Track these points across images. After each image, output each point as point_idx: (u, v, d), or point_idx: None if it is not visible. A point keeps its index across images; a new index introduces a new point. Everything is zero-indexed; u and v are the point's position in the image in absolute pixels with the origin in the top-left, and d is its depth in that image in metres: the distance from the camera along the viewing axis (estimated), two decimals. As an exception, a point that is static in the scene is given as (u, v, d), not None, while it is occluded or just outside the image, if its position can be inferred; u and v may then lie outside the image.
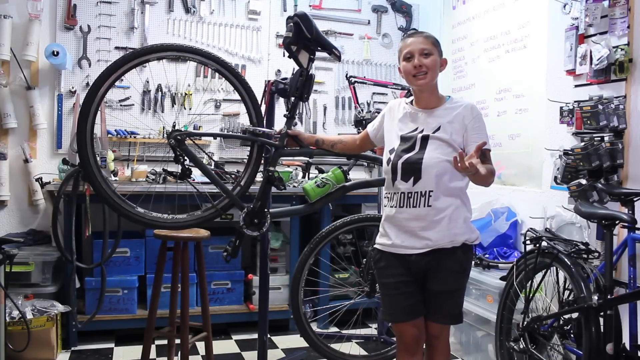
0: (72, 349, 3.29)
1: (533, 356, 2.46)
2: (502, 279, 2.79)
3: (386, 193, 2.06)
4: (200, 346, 3.16)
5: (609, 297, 2.14)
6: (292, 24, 2.29)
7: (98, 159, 2.29)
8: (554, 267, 2.49)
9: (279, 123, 2.56)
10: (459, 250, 1.96)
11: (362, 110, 3.32)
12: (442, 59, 2.02)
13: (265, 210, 2.38)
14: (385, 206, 2.05)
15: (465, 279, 2.05)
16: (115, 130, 3.78)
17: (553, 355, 2.50)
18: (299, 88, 2.38)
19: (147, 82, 3.88)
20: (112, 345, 3.39)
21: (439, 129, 1.95)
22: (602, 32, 2.69)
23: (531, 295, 2.57)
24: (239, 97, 2.41)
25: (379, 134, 2.16)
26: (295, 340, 3.25)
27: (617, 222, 2.21)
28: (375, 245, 2.10)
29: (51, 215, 3.08)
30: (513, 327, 2.69)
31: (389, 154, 2.02)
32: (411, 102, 2.06)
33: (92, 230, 3.23)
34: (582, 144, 2.71)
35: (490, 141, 2.01)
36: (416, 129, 1.99)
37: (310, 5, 4.29)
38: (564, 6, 2.94)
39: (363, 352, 3.23)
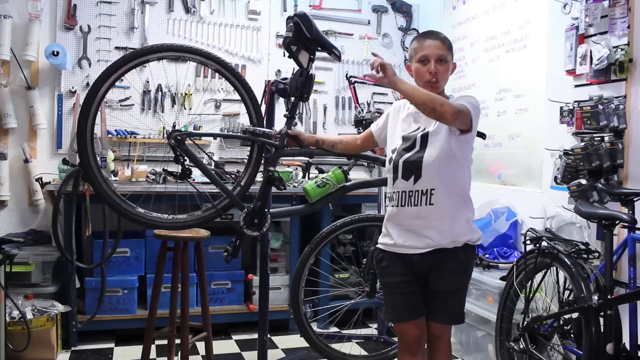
0: (72, 349, 3.29)
1: (533, 356, 2.46)
2: (502, 279, 2.79)
3: (388, 192, 2.06)
4: (200, 346, 3.16)
5: (609, 297, 2.14)
6: (292, 24, 2.29)
7: (98, 159, 2.29)
8: (554, 267, 2.49)
9: (279, 123, 2.56)
10: (461, 250, 1.96)
11: (362, 110, 3.32)
12: (453, 64, 2.03)
13: (266, 210, 2.38)
14: (387, 206, 2.06)
15: (467, 279, 2.06)
16: (115, 130, 3.78)
17: (553, 355, 2.50)
18: (299, 88, 2.37)
19: (147, 82, 3.88)
20: (112, 345, 3.39)
21: (436, 125, 1.95)
22: (602, 32, 2.69)
23: (531, 295, 2.57)
24: (239, 97, 2.41)
25: (383, 133, 2.16)
26: (295, 340, 3.25)
27: (617, 222, 2.21)
28: (377, 245, 2.10)
29: (51, 215, 3.07)
30: (513, 327, 2.69)
31: (391, 153, 2.02)
32: None
33: (92, 230, 3.23)
34: (582, 144, 2.71)
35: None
36: (418, 128, 1.99)
37: (310, 5, 4.29)
38: (564, 6, 2.94)
39: (363, 352, 3.23)
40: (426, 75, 1.95)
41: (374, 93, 4.39)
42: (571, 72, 2.86)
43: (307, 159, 2.80)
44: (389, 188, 2.06)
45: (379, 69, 1.88)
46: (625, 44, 2.56)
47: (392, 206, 2.01)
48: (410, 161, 1.94)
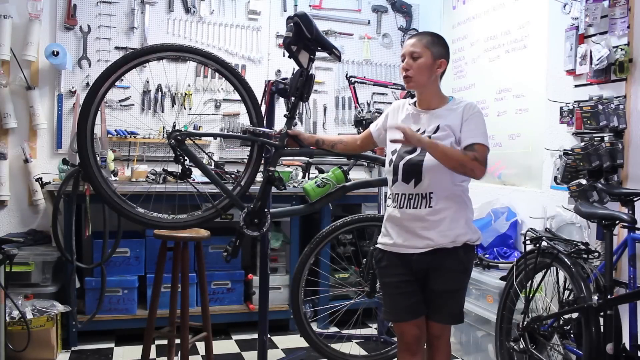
0: (72, 349, 3.29)
1: (533, 356, 2.46)
2: (502, 279, 2.79)
3: (388, 193, 2.07)
4: (200, 346, 3.16)
5: (609, 297, 2.14)
6: (292, 24, 2.29)
7: (98, 159, 2.29)
8: (554, 267, 2.49)
9: (279, 123, 2.56)
10: (460, 250, 1.96)
11: (362, 110, 3.32)
12: (440, 60, 1.99)
13: (266, 210, 2.38)
14: (388, 206, 2.06)
15: (467, 279, 2.06)
16: (115, 130, 3.78)
17: (553, 355, 2.50)
18: (299, 88, 2.38)
19: (147, 82, 3.88)
20: (112, 345, 3.39)
21: (438, 129, 1.95)
22: (602, 32, 2.69)
23: (531, 295, 2.57)
24: (239, 97, 2.41)
25: (382, 134, 2.16)
26: (295, 340, 3.25)
27: (617, 222, 2.21)
28: (377, 245, 2.10)
29: (51, 215, 3.07)
30: (513, 327, 2.69)
31: (391, 154, 2.02)
32: (414, 103, 2.07)
33: (92, 230, 3.23)
34: (582, 144, 2.71)
35: (490, 141, 2.01)
36: (418, 130, 1.99)
37: (310, 5, 4.29)
38: (564, 6, 2.94)
39: (363, 352, 3.23)
40: (402, 72, 1.99)
41: (374, 93, 4.39)
42: (571, 72, 2.86)
43: (307, 159, 2.81)
44: (388, 189, 2.06)
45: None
46: (625, 44, 2.56)
47: (392, 207, 2.01)
48: (411, 164, 1.94)
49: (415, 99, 2.09)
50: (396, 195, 1.99)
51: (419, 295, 2.01)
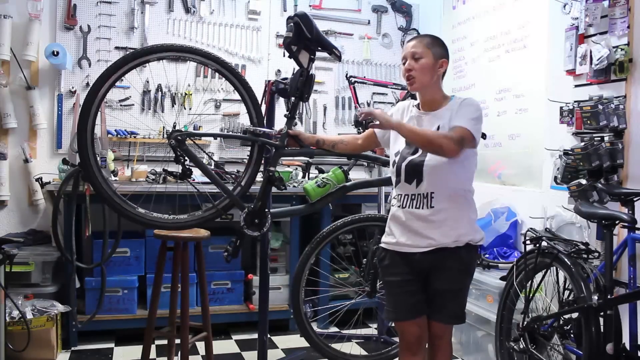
0: (72, 349, 3.29)
1: (533, 356, 2.46)
2: (502, 279, 2.80)
3: (392, 193, 2.09)
4: (200, 346, 3.16)
5: (609, 297, 2.14)
6: (292, 24, 2.29)
7: (98, 159, 2.29)
8: (554, 267, 2.49)
9: (279, 123, 2.56)
10: (462, 250, 1.97)
11: (362, 110, 3.32)
12: (442, 60, 2.00)
13: (266, 210, 2.39)
14: (392, 206, 2.07)
15: (469, 279, 2.06)
16: (115, 130, 3.78)
17: (553, 355, 2.50)
18: (299, 88, 2.37)
19: (147, 82, 3.88)
20: (112, 345, 3.39)
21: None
22: (602, 32, 2.69)
23: (531, 295, 2.57)
24: (239, 97, 2.41)
25: (386, 134, 2.16)
26: (295, 340, 3.25)
27: (617, 222, 2.22)
28: (380, 244, 2.11)
29: (51, 215, 3.07)
30: (513, 327, 2.69)
31: (395, 156, 2.03)
32: (418, 105, 2.07)
33: (92, 230, 3.23)
34: (582, 144, 2.71)
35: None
36: None
37: (310, 5, 4.29)
38: (564, 6, 2.94)
39: (363, 352, 3.23)
40: (404, 74, 1.99)
41: (373, 93, 4.39)
42: (571, 72, 2.86)
43: (307, 159, 2.81)
44: (392, 189, 2.08)
45: (368, 118, 1.92)
46: (625, 44, 2.56)
47: (397, 207, 2.03)
48: (412, 165, 1.95)
49: (418, 100, 2.09)
50: (399, 196, 2.01)
51: (421, 294, 2.02)
